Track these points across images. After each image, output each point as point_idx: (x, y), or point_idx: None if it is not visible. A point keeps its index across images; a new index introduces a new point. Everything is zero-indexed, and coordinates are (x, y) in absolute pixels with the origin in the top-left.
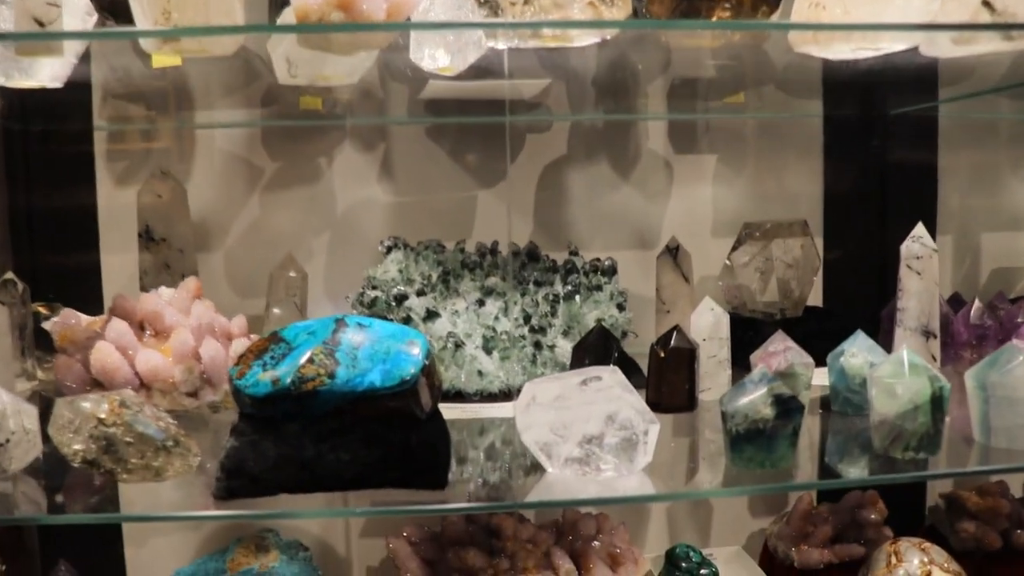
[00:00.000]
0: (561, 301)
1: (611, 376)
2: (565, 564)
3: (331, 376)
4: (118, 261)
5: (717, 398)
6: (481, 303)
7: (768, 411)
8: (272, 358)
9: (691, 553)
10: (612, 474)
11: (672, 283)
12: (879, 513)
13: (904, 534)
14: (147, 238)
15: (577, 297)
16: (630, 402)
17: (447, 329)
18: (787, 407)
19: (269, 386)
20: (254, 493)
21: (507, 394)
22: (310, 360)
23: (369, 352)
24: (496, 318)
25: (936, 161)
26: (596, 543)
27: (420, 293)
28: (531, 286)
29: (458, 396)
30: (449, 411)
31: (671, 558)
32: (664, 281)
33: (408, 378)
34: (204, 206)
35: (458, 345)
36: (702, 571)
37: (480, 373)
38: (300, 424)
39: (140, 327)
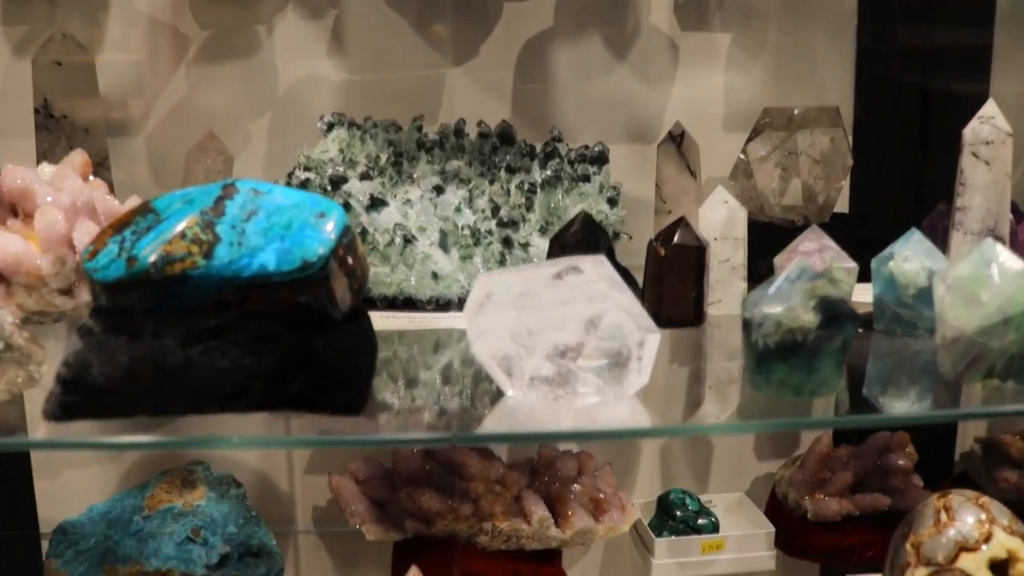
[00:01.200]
0: (538, 190)
1: (595, 268)
2: (538, 511)
3: (207, 255)
4: (15, 144)
5: (729, 312)
6: (439, 190)
7: (810, 317)
8: (134, 233)
9: (687, 500)
10: (594, 399)
11: (675, 177)
12: (909, 458)
13: (930, 483)
14: (45, 114)
15: (559, 187)
16: (620, 303)
17: (395, 220)
18: (835, 313)
19: (123, 268)
20: (97, 412)
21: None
22: (181, 235)
23: (263, 226)
24: (457, 209)
25: (991, 42)
26: (576, 486)
27: (364, 177)
28: (502, 173)
29: (408, 304)
30: (394, 321)
31: (664, 505)
32: (665, 175)
33: (313, 260)
34: (119, 80)
35: (408, 240)
36: (700, 520)
37: (435, 275)
38: (165, 320)
39: (12, 211)
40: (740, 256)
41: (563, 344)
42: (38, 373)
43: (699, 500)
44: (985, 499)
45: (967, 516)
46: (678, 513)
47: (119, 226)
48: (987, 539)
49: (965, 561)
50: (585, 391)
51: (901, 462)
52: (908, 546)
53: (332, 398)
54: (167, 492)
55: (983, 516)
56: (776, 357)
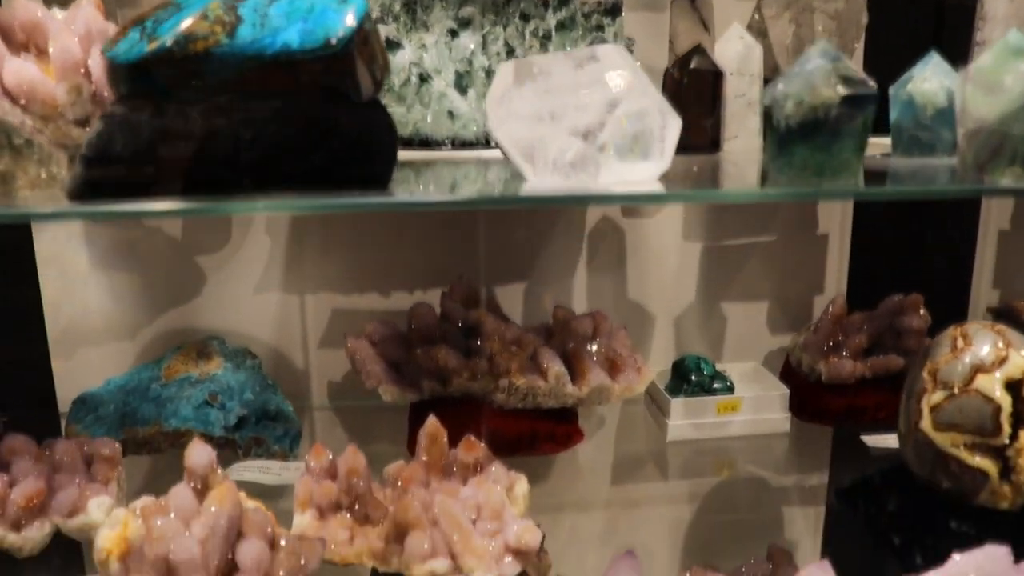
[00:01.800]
0: (553, 35)
1: (615, 55)
2: (555, 366)
3: (230, 34)
4: None
5: (745, 147)
6: (454, 34)
7: (832, 93)
8: (155, 21)
9: (702, 364)
10: (615, 180)
11: (688, 31)
12: (922, 319)
13: None
14: None
15: (573, 31)
16: (642, 88)
17: (410, 60)
18: (857, 91)
19: (144, 48)
20: (124, 189)
21: (485, 141)
22: (203, 15)
23: (285, 9)
24: (472, 52)
25: None
26: (592, 346)
27: (377, 22)
28: (516, 20)
29: (424, 144)
30: (411, 156)
31: (679, 369)
32: (679, 29)
33: (336, 38)
34: None
35: (424, 78)
36: (715, 384)
37: (451, 114)
38: (189, 99)
39: (24, 47)
40: (755, 91)
41: (585, 126)
42: (60, 174)
43: (713, 365)
44: (1001, 326)
45: (983, 341)
46: (693, 377)
47: (140, 19)
48: (1003, 362)
49: (981, 382)
50: (607, 175)
51: (915, 323)
52: (925, 373)
53: (357, 172)
54: (183, 363)
55: (1000, 342)
56: (797, 137)
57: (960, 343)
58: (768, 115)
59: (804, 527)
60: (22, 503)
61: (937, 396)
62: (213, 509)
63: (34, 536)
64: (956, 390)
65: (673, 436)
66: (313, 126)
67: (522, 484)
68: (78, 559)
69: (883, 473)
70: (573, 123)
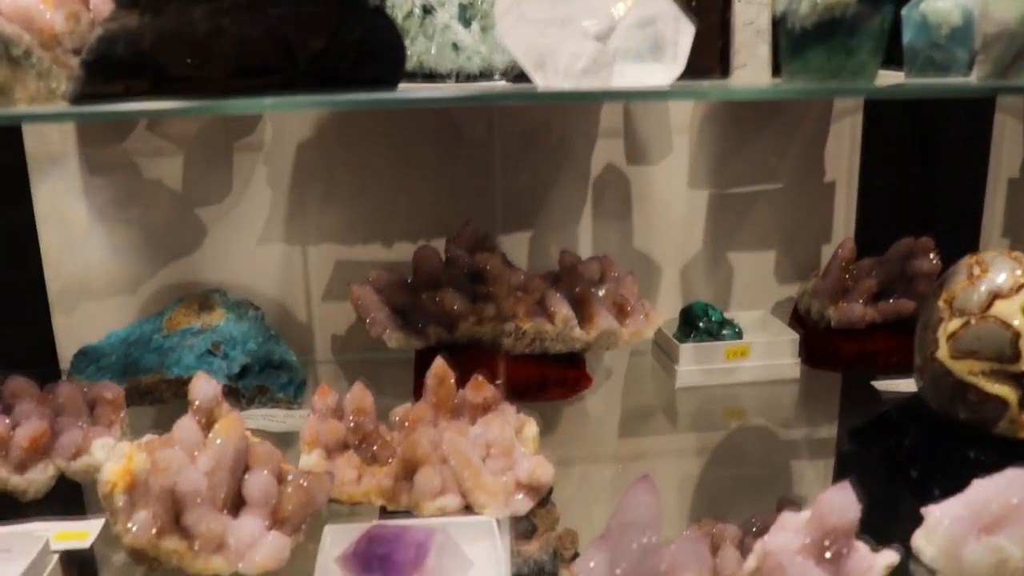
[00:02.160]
0: None
1: None
2: (563, 309)
3: None
4: None
5: (754, 77)
6: None
7: None
8: None
9: (710, 311)
10: (628, 83)
11: None
12: (933, 264)
13: None
14: None
15: None
16: None
17: None
18: None
19: None
20: (127, 88)
21: (489, 74)
22: None
23: None
24: None
25: None
26: (599, 291)
27: None
28: None
29: (428, 78)
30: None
31: (687, 316)
32: None
33: None
34: None
35: (427, 10)
36: (723, 330)
37: (455, 47)
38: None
39: None
40: (764, 19)
41: (597, 29)
42: (60, 90)
43: (721, 312)
44: (1018, 253)
45: (1000, 268)
46: (701, 324)
47: None
48: (1020, 288)
49: (999, 308)
50: (620, 79)
51: (925, 266)
52: (940, 303)
53: (366, 74)
54: (185, 315)
55: (1017, 268)
56: (813, 40)
57: (976, 271)
58: (782, 22)
59: (815, 476)
60: (26, 444)
61: (954, 324)
62: (219, 441)
63: (38, 479)
64: (973, 318)
65: (682, 382)
66: (321, 26)
67: (531, 426)
68: (81, 505)
69: (898, 411)
70: (585, 28)
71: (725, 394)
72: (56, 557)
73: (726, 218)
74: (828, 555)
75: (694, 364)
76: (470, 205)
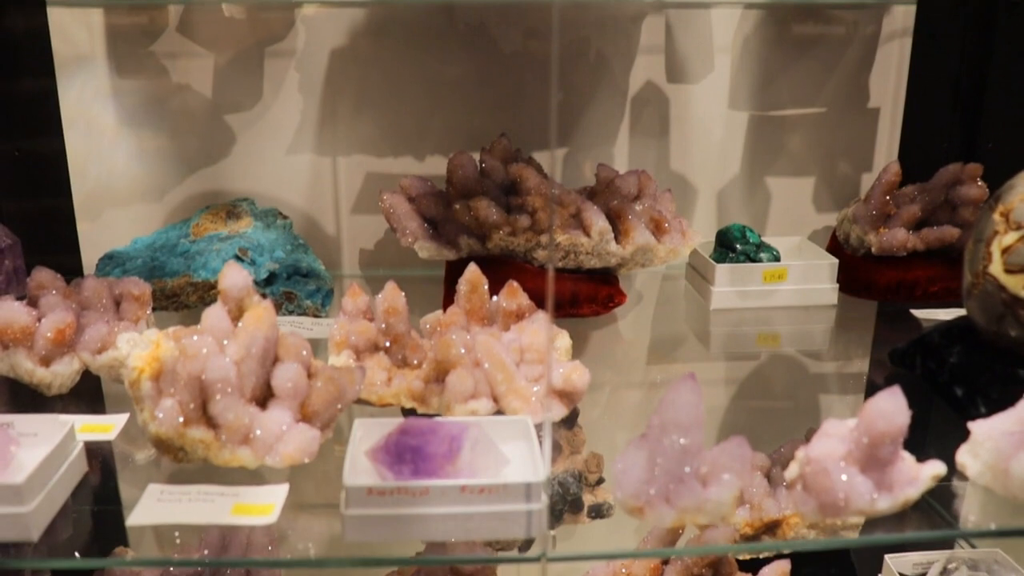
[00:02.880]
0: None
1: None
2: (599, 222)
3: None
4: None
5: None
6: None
7: None
8: None
9: (747, 233)
10: None
11: None
12: (980, 190)
13: None
14: None
15: None
16: None
17: None
18: None
19: None
20: None
21: None
22: None
23: None
24: None
25: None
26: (637, 205)
27: None
28: None
29: None
30: None
31: (724, 238)
32: None
33: None
34: None
35: None
36: (760, 253)
37: None
38: None
39: None
40: None
41: None
42: None
43: (759, 236)
44: None
45: None
46: (738, 246)
47: None
48: None
49: None
50: None
51: (973, 193)
52: (996, 216)
53: None
54: (212, 222)
55: None
56: None
57: None
58: None
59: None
60: (51, 335)
61: (1010, 238)
62: (249, 330)
63: (63, 372)
64: None
65: (717, 304)
66: None
67: (564, 338)
68: (102, 405)
69: (940, 334)
70: None
71: (760, 317)
72: (81, 444)
73: (765, 142)
74: (873, 463)
75: (730, 285)
76: (505, 120)
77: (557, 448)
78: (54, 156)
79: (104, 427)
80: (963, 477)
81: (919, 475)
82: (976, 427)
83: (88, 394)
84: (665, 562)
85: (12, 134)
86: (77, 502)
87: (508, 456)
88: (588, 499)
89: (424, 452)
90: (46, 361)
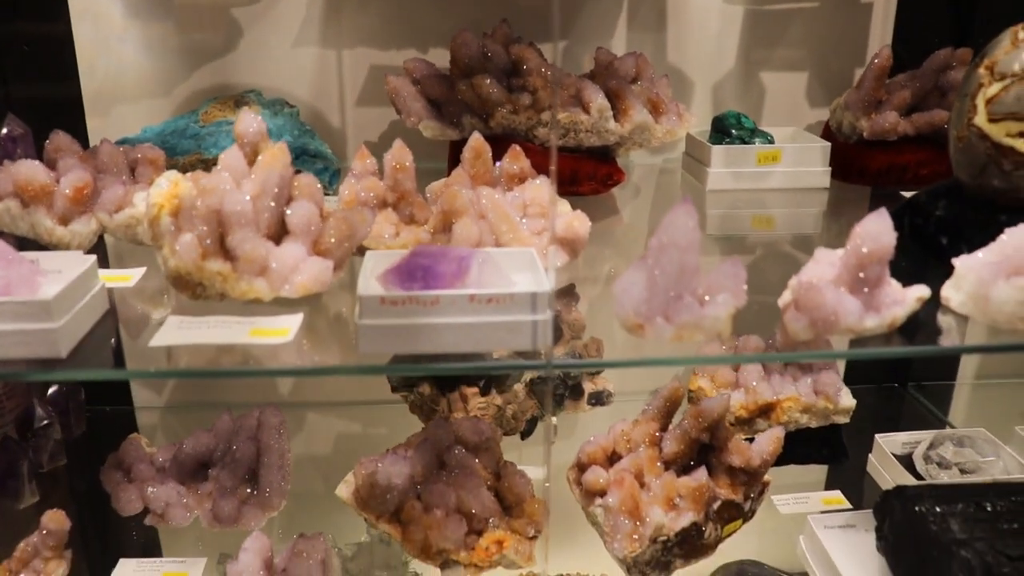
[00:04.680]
0: None
1: None
2: (598, 98)
3: None
4: None
5: None
6: None
7: None
8: None
9: (742, 119)
10: None
11: None
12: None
13: None
14: None
15: None
16: None
17: None
18: None
19: None
20: None
21: None
22: None
23: None
24: None
25: None
26: (634, 86)
27: None
28: None
29: None
30: None
31: (719, 124)
32: None
33: None
34: None
35: None
36: (755, 138)
37: None
38: None
39: None
40: None
41: None
42: None
43: (753, 122)
44: None
45: None
46: (733, 131)
47: None
48: None
49: None
50: None
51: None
52: (981, 70)
53: None
54: (220, 110)
55: None
56: None
57: (1021, 35)
58: None
59: None
60: (70, 194)
61: (994, 88)
62: (265, 167)
63: (81, 231)
64: (1014, 79)
65: (713, 185)
66: None
67: (565, 205)
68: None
69: (927, 194)
70: None
71: (755, 199)
72: (103, 282)
73: (761, 35)
74: (862, 286)
75: (724, 167)
76: (506, 11)
77: (558, 331)
78: (63, 49)
79: (123, 277)
80: (948, 310)
81: (905, 297)
82: (959, 262)
83: (104, 258)
84: (663, 428)
85: (21, 27)
86: (102, 331)
87: (514, 280)
88: (588, 387)
89: (434, 271)
90: (65, 220)
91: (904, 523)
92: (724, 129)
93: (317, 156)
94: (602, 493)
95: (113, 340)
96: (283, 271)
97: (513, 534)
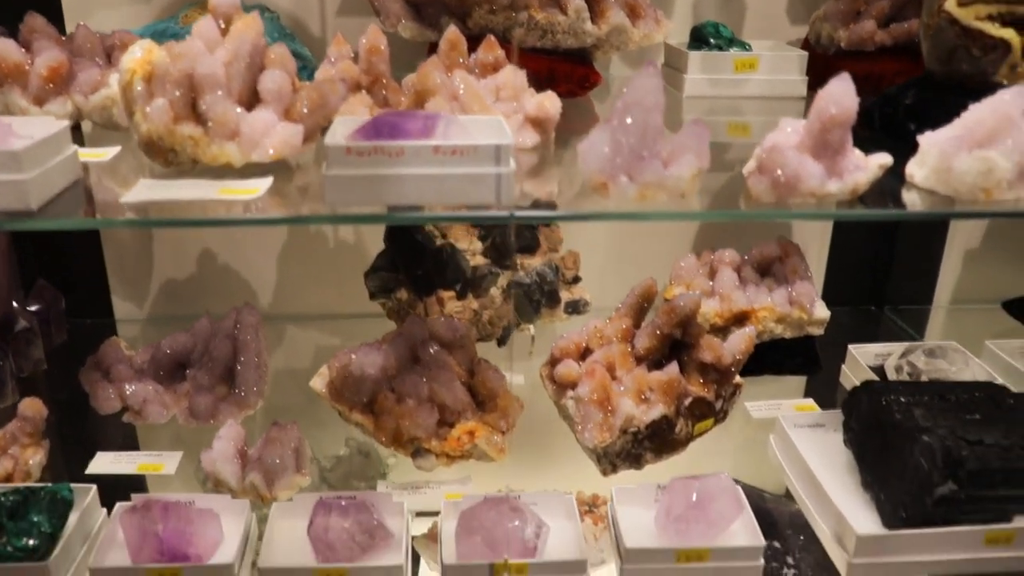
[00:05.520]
0: None
1: None
2: (575, 0)
3: None
4: None
5: None
6: None
7: None
8: None
9: (720, 29)
10: None
11: None
12: None
13: None
14: None
15: None
16: None
17: None
18: None
19: None
20: None
21: None
22: None
23: None
24: None
25: None
26: None
27: None
28: None
29: None
30: None
31: (698, 33)
32: None
33: None
34: None
35: None
36: (732, 47)
37: None
38: None
39: None
40: None
41: None
42: None
43: (732, 32)
44: None
45: None
46: (711, 40)
47: None
48: None
49: None
50: None
51: None
52: None
53: None
54: (200, 14)
55: None
56: None
57: None
58: None
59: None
60: (45, 74)
61: None
62: (237, 34)
63: (56, 111)
64: None
65: (690, 91)
66: None
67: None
68: None
69: (898, 88)
70: None
71: (731, 106)
72: (76, 149)
73: None
74: (825, 149)
75: (702, 73)
76: None
77: (536, 243)
78: None
79: (98, 154)
80: (912, 186)
81: (868, 164)
82: (923, 139)
83: (80, 143)
84: (636, 325)
85: None
86: (73, 193)
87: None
88: (565, 295)
89: (401, 128)
90: (39, 101)
91: (870, 414)
92: (702, 38)
93: (297, 55)
94: (574, 385)
95: (84, 199)
96: (254, 136)
97: (486, 427)
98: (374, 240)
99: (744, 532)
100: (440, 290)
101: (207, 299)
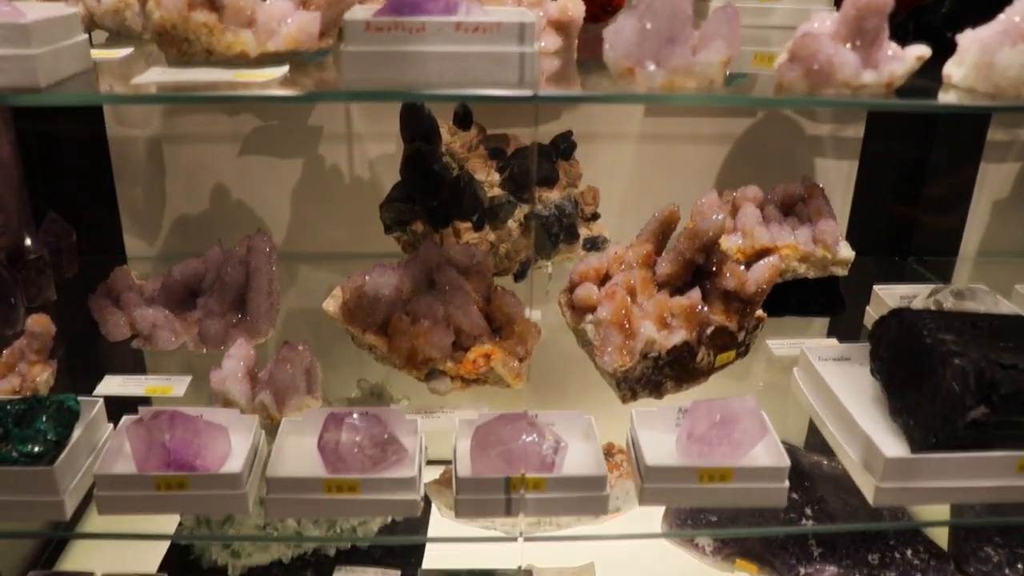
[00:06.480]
0: None
1: None
2: None
3: None
4: None
5: None
6: None
7: None
8: None
9: None
10: None
11: None
12: None
13: None
14: None
15: None
16: None
17: None
18: None
19: None
20: None
21: None
22: None
23: None
24: None
25: None
26: None
27: None
28: None
29: None
30: None
31: None
32: None
33: None
34: None
35: None
36: None
37: None
38: None
39: None
40: None
41: None
42: None
43: None
44: None
45: None
46: None
47: None
48: None
49: None
50: None
51: None
52: None
53: None
54: None
55: None
56: None
57: None
58: None
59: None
60: None
61: None
62: None
63: None
64: None
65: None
66: None
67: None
68: None
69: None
70: None
71: (757, 36)
72: (87, 36)
73: None
74: (860, 38)
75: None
76: None
77: (555, 175)
78: None
79: (110, 53)
80: (951, 86)
81: (905, 55)
82: (962, 37)
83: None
84: (658, 251)
85: None
86: (83, 78)
87: None
88: (584, 232)
89: (422, 6)
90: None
91: (900, 340)
92: None
93: None
94: (593, 309)
95: (93, 85)
96: (270, 23)
97: (503, 351)
98: (390, 175)
99: (768, 454)
100: (457, 221)
101: (219, 237)
